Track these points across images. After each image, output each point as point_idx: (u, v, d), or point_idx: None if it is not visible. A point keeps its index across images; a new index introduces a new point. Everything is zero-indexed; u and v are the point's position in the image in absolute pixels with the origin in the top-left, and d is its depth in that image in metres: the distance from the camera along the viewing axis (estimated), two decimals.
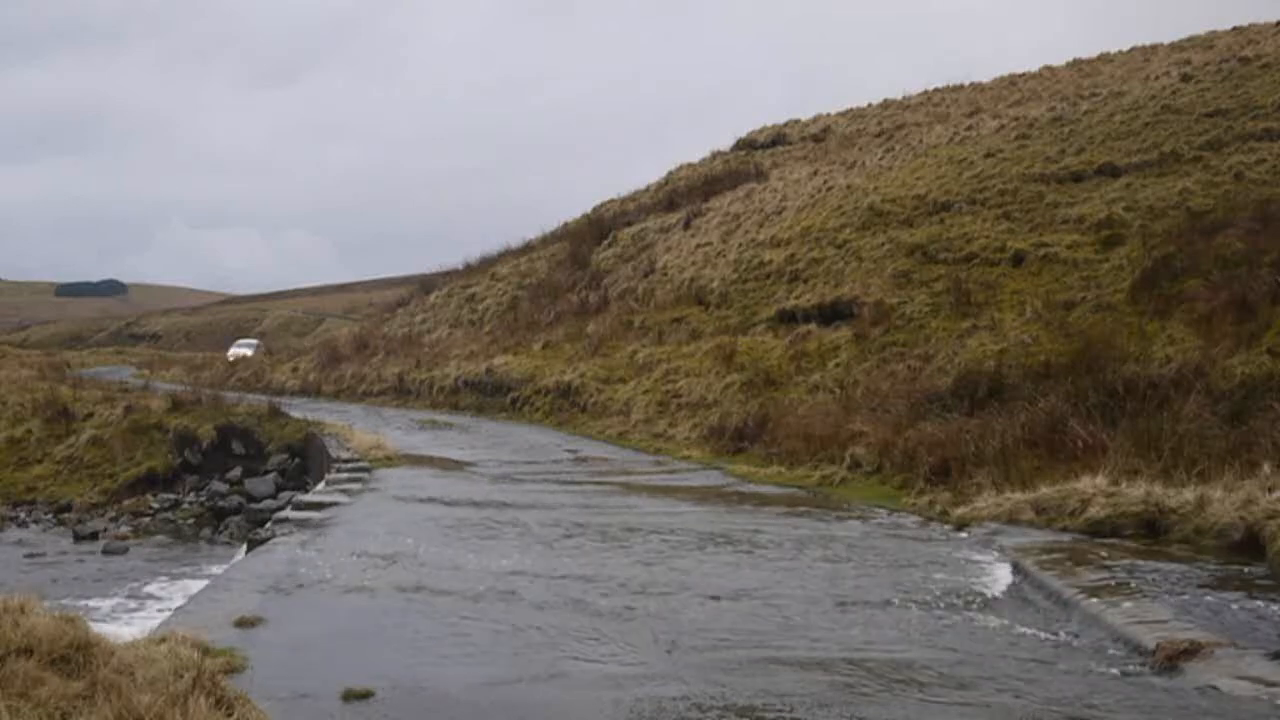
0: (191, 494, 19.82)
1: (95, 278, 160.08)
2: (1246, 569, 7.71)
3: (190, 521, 18.21)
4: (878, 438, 13.81)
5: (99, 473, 20.94)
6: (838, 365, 19.20)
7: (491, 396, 25.86)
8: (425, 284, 42.61)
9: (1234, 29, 35.29)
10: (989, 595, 7.59)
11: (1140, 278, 17.47)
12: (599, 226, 37.57)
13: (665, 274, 28.80)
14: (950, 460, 12.06)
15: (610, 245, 34.65)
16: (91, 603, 11.15)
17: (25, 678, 4.48)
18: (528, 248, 40.06)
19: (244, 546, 11.16)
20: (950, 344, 17.97)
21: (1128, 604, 6.80)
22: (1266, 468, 8.92)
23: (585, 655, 6.08)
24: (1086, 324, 16.49)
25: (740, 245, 27.33)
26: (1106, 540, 8.91)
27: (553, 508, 11.52)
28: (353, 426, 19.76)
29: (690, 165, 43.30)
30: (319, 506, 11.70)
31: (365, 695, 5.29)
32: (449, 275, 41.35)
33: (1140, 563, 7.92)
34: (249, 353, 49.83)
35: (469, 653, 6.15)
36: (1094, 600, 6.96)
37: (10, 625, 4.82)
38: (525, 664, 5.92)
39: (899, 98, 41.63)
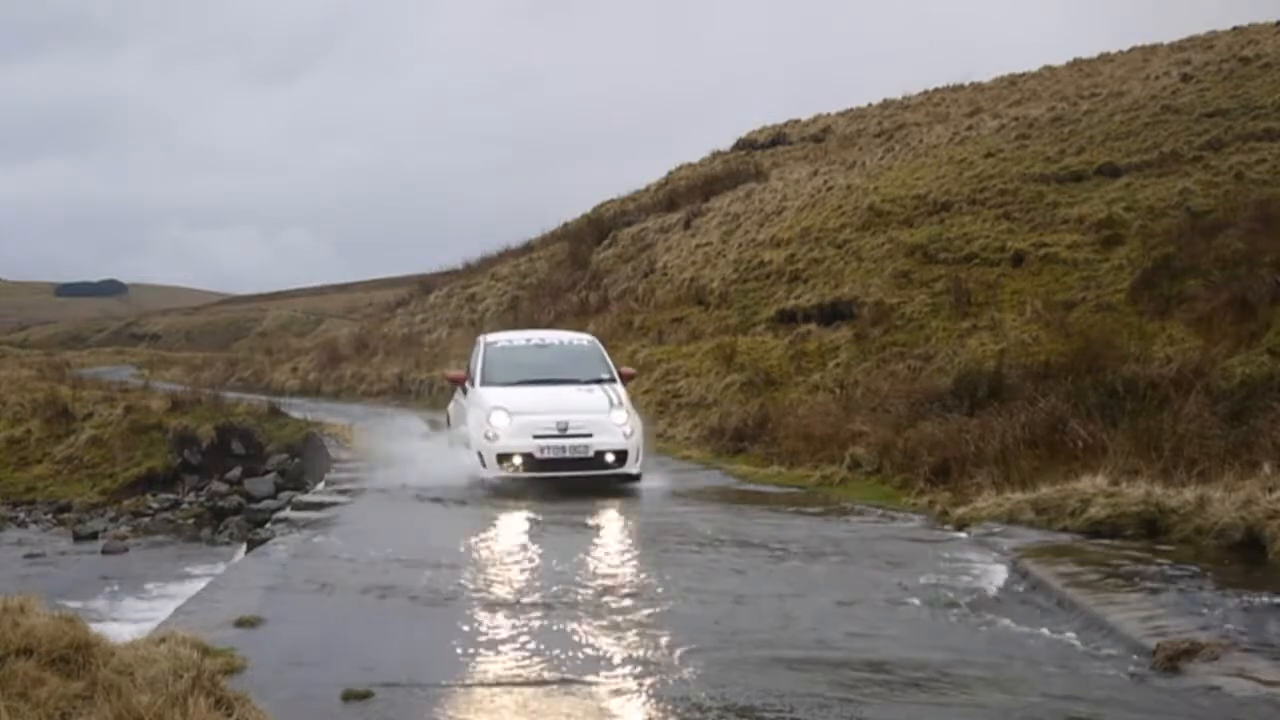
0: (191, 494, 19.80)
1: (95, 278, 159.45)
2: (1247, 569, 7.70)
3: (190, 521, 18.18)
4: (878, 438, 13.80)
5: (99, 473, 20.93)
6: (838, 365, 19.20)
7: None
8: (425, 284, 42.60)
9: (1234, 29, 35.25)
10: (989, 595, 7.58)
11: (1140, 278, 17.47)
12: (599, 226, 37.55)
13: (665, 274, 28.80)
14: (950, 460, 12.04)
15: (610, 245, 34.63)
16: (91, 603, 11.13)
17: (25, 678, 4.48)
18: (528, 248, 40.05)
19: (244, 546, 11.16)
20: (950, 344, 17.97)
21: (1128, 604, 6.80)
22: (1266, 468, 8.91)
23: (585, 655, 6.08)
24: (1086, 324, 16.49)
25: (740, 245, 27.32)
26: (1107, 540, 8.90)
27: (553, 508, 11.51)
28: (352, 426, 19.75)
29: (690, 165, 43.25)
30: (319, 506, 11.71)
31: (365, 696, 5.29)
32: (449, 275, 41.34)
33: (1140, 563, 7.92)
34: None
35: (469, 652, 6.15)
36: (1094, 600, 6.96)
37: (10, 625, 4.82)
38: (526, 664, 5.92)
39: (899, 98, 41.63)
